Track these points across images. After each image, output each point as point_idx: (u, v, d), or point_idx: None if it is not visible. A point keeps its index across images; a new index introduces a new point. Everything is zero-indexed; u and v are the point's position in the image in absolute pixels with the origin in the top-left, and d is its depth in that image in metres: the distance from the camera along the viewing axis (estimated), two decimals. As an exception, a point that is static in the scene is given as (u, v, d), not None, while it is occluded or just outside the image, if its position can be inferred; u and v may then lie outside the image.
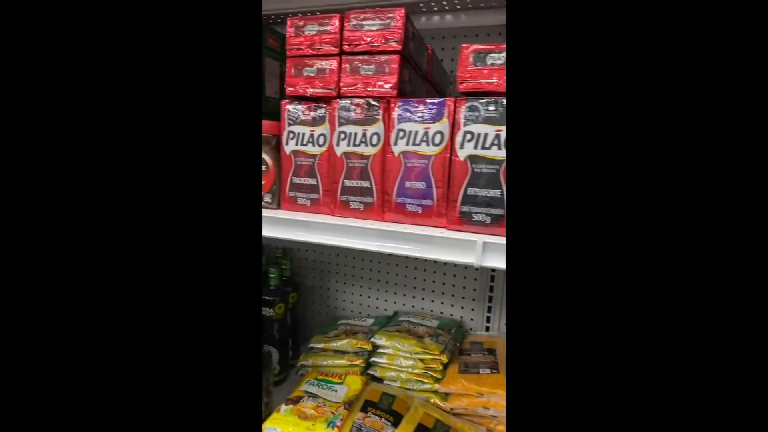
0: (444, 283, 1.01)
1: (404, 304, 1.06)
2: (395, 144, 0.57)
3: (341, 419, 0.71)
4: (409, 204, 0.58)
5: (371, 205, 0.60)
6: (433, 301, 1.03)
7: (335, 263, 1.12)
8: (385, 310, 1.08)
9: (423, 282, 1.03)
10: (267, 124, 0.67)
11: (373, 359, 0.88)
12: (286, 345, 0.98)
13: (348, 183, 0.61)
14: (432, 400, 0.80)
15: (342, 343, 0.90)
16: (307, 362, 0.91)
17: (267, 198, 0.67)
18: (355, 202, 0.61)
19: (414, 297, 1.05)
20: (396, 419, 0.72)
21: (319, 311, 1.15)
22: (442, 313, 1.02)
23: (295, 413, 0.73)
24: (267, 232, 0.61)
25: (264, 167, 0.67)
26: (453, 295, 1.01)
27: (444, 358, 0.80)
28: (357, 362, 0.87)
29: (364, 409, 0.74)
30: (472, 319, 1.00)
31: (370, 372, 0.88)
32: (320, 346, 0.92)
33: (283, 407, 0.75)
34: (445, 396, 0.79)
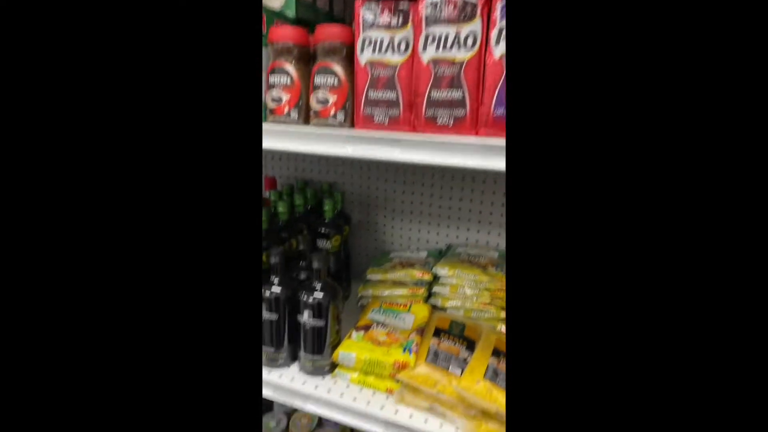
0: (502, 215, 0.98)
1: (457, 237, 1.04)
2: (496, 45, 0.50)
3: (416, 344, 0.71)
4: (509, 116, 0.52)
5: (463, 119, 0.54)
6: (489, 233, 1.00)
7: (382, 197, 1.08)
8: (436, 243, 1.06)
9: (477, 214, 1.00)
10: (336, 31, 0.59)
11: (435, 289, 0.87)
12: (340, 278, 0.97)
13: (435, 95, 0.55)
14: (499, 328, 0.80)
15: (400, 275, 0.89)
16: (366, 293, 0.91)
17: (339, 117, 0.61)
18: (444, 116, 0.55)
19: (468, 230, 1.02)
20: (470, 344, 0.72)
21: (366, 246, 1.14)
22: (498, 244, 1.00)
23: (368, 339, 0.74)
24: (347, 151, 0.57)
25: (334, 81, 0.60)
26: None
27: (512, 287, 0.78)
28: (420, 292, 0.87)
29: (436, 335, 0.74)
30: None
31: (431, 302, 0.88)
32: (378, 277, 0.92)
33: (355, 334, 0.75)
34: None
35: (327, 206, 0.90)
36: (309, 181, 1.13)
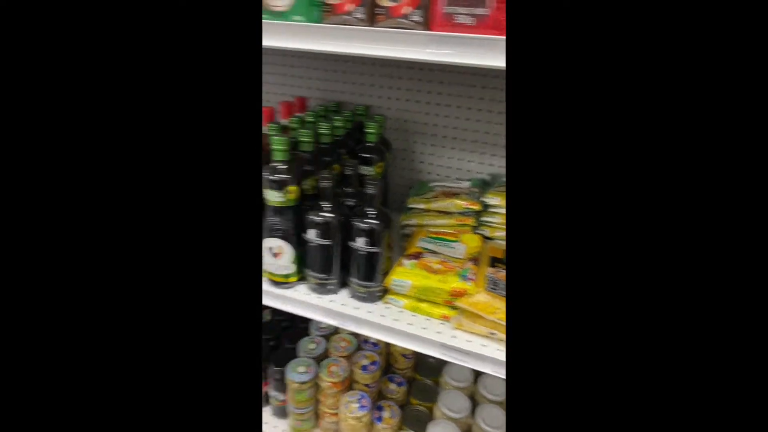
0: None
1: (501, 167, 0.99)
2: None
3: (473, 273, 0.70)
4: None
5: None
6: (535, 163, 0.95)
7: (422, 122, 1.01)
8: (478, 173, 1.01)
9: (526, 142, 0.94)
10: None
11: (483, 219, 0.84)
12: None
13: (538, -12, 0.46)
14: (551, 258, 0.78)
15: (445, 204, 0.85)
16: (410, 222, 0.88)
17: (414, 17, 0.53)
18: (545, 15, 0.47)
19: (513, 159, 0.96)
20: (526, 274, 0.71)
21: (401, 175, 1.09)
22: (545, 175, 0.95)
23: (422, 267, 0.72)
24: (427, 54, 0.49)
25: (410, -29, 0.51)
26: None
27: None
28: (468, 222, 0.84)
29: (492, 265, 0.72)
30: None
31: (479, 232, 0.85)
32: (422, 206, 0.88)
33: (406, 261, 0.74)
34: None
35: (370, 129, 0.84)
36: (345, 103, 1.05)
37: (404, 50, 0.51)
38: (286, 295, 0.75)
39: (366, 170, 0.84)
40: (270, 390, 0.98)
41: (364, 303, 0.74)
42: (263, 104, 1.03)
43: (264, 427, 0.98)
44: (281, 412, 1.00)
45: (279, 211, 0.71)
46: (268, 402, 1.03)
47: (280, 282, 0.76)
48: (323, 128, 0.79)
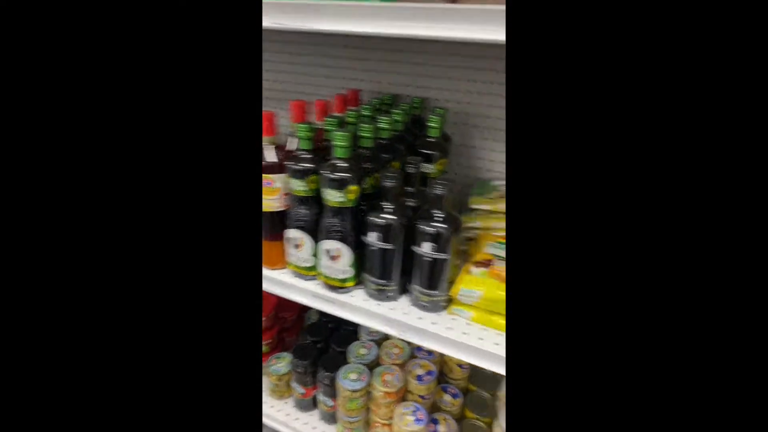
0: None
1: (572, 164, 0.89)
2: None
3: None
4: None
5: None
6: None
7: (482, 115, 0.93)
8: (545, 171, 0.92)
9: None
10: None
11: (557, 223, 0.76)
12: (438, 206, 0.87)
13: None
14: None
15: (513, 205, 0.78)
16: (474, 224, 0.81)
17: (507, -9, 0.45)
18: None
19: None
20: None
21: (457, 171, 1.02)
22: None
23: (493, 276, 0.65)
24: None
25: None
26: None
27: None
28: (540, 225, 0.76)
29: (574, 275, 0.64)
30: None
31: (551, 236, 0.77)
32: (486, 207, 0.81)
33: (475, 269, 0.67)
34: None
35: (433, 123, 0.77)
36: (400, 96, 0.99)
37: (491, 30, 0.44)
38: (343, 301, 0.71)
39: (428, 168, 0.78)
40: (319, 394, 0.95)
41: (427, 313, 0.68)
42: (315, 96, 1.00)
43: (312, 432, 0.96)
44: (330, 418, 0.97)
45: (338, 211, 0.66)
46: (315, 406, 1.00)
47: (336, 286, 0.71)
48: (383, 122, 0.73)
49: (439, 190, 0.62)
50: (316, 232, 0.71)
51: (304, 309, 1.16)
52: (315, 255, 0.72)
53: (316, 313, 1.16)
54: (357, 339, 0.99)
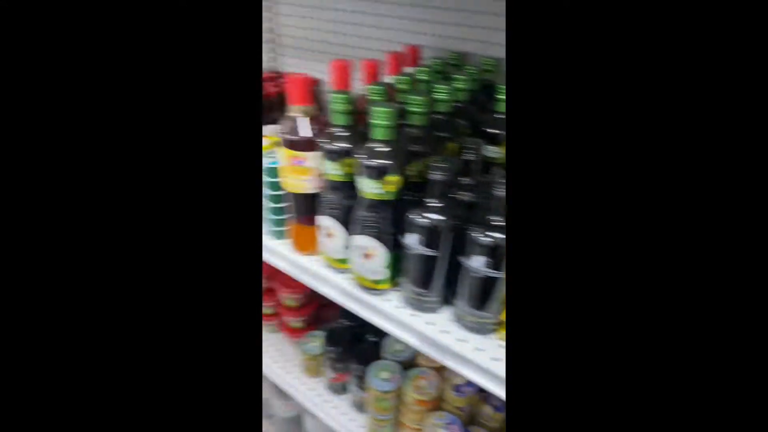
0: None
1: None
2: None
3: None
4: None
5: None
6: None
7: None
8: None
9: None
10: None
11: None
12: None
13: None
14: None
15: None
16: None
17: None
18: None
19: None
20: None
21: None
22: None
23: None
24: None
25: None
26: None
27: None
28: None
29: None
30: None
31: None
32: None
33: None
34: None
35: (503, 93, 0.60)
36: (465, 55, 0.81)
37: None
38: (374, 304, 0.61)
39: (492, 152, 0.62)
40: (349, 384, 0.90)
41: (472, 335, 0.56)
42: (365, 55, 0.86)
43: (342, 418, 0.92)
44: (361, 407, 0.92)
45: (374, 204, 0.55)
46: (345, 391, 0.96)
47: (368, 287, 0.62)
48: (440, 92, 0.58)
49: (501, 191, 0.48)
50: (348, 223, 0.60)
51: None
52: (348, 248, 0.63)
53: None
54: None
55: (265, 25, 1.12)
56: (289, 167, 0.62)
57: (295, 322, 1.01)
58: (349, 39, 0.97)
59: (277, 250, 0.73)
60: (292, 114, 0.60)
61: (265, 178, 0.68)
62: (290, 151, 0.61)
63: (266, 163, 0.67)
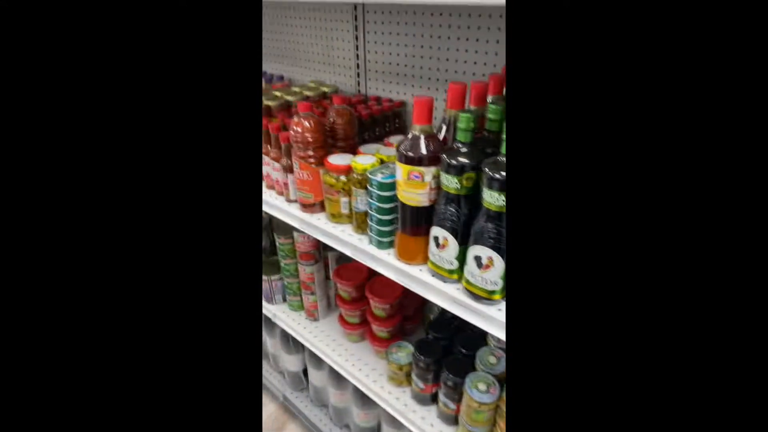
0: None
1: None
2: None
3: None
4: None
5: None
6: None
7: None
8: None
9: None
10: None
11: None
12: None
13: None
14: None
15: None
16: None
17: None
18: None
19: None
20: None
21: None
22: None
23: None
24: None
25: None
26: None
27: None
28: None
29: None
30: None
31: None
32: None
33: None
34: None
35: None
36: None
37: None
38: (488, 314, 0.63)
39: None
40: (441, 395, 0.91)
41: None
42: (448, 79, 0.90)
43: (430, 429, 0.93)
44: (449, 419, 0.93)
45: (496, 216, 0.58)
46: (433, 402, 0.97)
47: (482, 297, 0.64)
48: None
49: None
50: (464, 235, 0.64)
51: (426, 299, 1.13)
52: (459, 258, 0.66)
53: (437, 306, 1.12)
54: (485, 344, 0.92)
55: (352, 52, 1.20)
56: (406, 181, 0.67)
57: (381, 331, 1.05)
58: (432, 63, 1.03)
59: (383, 259, 0.77)
60: (412, 132, 0.65)
61: (376, 192, 0.73)
62: (408, 166, 0.65)
63: (378, 177, 0.73)
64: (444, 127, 0.71)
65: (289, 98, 1.07)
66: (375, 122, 1.06)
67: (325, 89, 1.17)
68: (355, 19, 1.16)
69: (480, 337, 0.95)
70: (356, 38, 1.18)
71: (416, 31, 1.03)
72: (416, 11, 1.01)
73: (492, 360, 0.87)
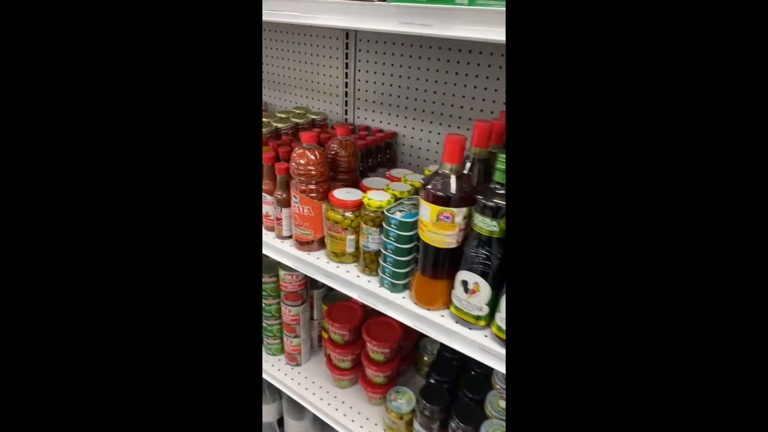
0: None
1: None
2: None
3: None
4: None
5: None
6: None
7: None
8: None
9: None
10: None
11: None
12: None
13: None
14: None
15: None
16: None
17: None
18: None
19: None
20: None
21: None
22: None
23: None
24: None
25: None
26: None
27: None
28: None
29: None
30: None
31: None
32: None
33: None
34: None
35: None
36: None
37: None
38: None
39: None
40: (449, 444, 0.85)
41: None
42: (437, 110, 0.90)
43: (436, 483, 0.86)
44: (456, 471, 0.87)
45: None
46: (437, 452, 0.90)
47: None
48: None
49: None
50: (497, 279, 0.61)
51: (420, 337, 1.08)
52: (490, 304, 0.62)
53: (430, 344, 1.07)
54: (491, 386, 0.89)
55: (341, 80, 1.16)
56: (435, 222, 0.63)
57: (377, 377, 0.97)
58: (421, 94, 1.02)
59: (397, 303, 0.72)
60: (441, 170, 0.62)
61: (395, 231, 0.68)
62: (438, 206, 0.62)
63: (398, 216, 0.68)
64: (468, 165, 0.69)
65: (279, 125, 1.00)
66: (369, 153, 1.02)
67: (313, 116, 1.11)
68: (346, 46, 1.13)
69: (484, 378, 0.91)
70: (346, 65, 1.15)
71: (406, 62, 1.02)
72: (406, 42, 1.00)
73: (503, 404, 0.83)
